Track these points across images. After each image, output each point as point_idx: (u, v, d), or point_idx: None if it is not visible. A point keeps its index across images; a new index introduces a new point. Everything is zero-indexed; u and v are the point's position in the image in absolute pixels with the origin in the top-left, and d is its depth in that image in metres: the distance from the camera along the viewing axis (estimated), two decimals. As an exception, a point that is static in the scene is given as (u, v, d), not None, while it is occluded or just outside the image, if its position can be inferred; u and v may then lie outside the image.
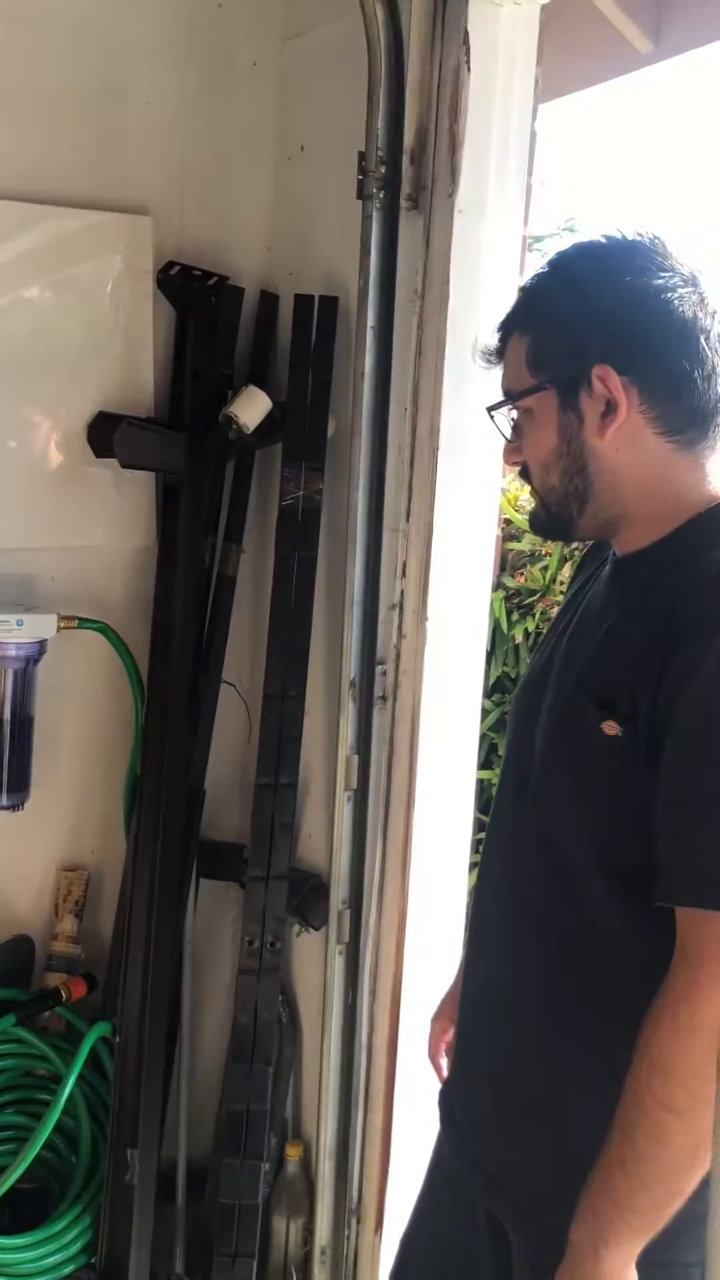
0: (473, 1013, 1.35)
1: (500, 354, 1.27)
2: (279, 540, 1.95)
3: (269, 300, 2.11)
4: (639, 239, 1.19)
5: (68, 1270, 1.87)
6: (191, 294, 2.04)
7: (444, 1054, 1.54)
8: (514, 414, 1.27)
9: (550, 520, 1.27)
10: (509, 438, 1.28)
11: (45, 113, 1.91)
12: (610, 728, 1.11)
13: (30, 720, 2.00)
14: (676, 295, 1.15)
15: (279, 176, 2.12)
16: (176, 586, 2.03)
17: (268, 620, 1.97)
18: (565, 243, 1.35)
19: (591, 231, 1.27)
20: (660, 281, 1.16)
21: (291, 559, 1.94)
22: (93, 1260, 1.92)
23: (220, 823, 2.25)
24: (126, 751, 2.15)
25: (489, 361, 1.29)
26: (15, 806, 2.00)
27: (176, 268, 2.03)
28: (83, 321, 1.99)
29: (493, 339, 1.28)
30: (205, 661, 2.10)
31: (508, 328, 1.26)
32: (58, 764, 2.11)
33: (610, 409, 1.17)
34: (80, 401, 2.00)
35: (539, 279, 1.25)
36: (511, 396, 1.25)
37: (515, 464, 1.31)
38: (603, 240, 1.21)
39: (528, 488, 1.32)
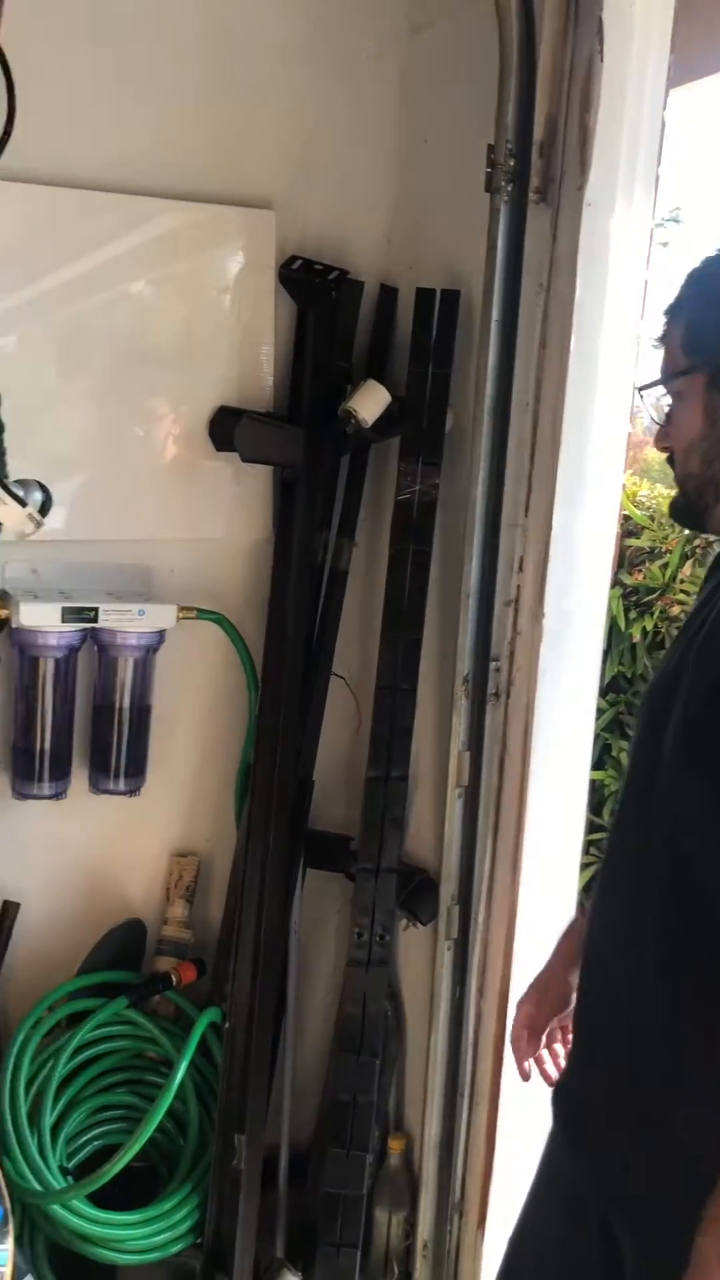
0: (592, 1014, 1.33)
1: (664, 338, 1.28)
2: (394, 534, 1.95)
3: (388, 294, 2.11)
4: None
5: (175, 1249, 1.91)
6: (312, 288, 2.05)
7: (526, 1039, 1.52)
8: (666, 398, 1.27)
9: (688, 507, 1.27)
10: (659, 421, 1.29)
11: (171, 109, 1.94)
12: None
13: (148, 708, 2.04)
14: None
15: (401, 170, 2.12)
16: (291, 580, 2.05)
17: (380, 614, 1.98)
18: (671, 234, 1.35)
19: (699, 223, 1.27)
20: None
21: (406, 553, 1.94)
22: (199, 1241, 1.95)
23: (326, 813, 2.27)
24: (239, 741, 2.18)
25: (656, 345, 1.30)
26: (132, 792, 2.04)
27: (298, 262, 2.04)
28: (206, 315, 2.01)
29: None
30: (316, 654, 2.11)
31: (670, 312, 1.27)
32: (172, 752, 2.14)
33: None
34: (201, 395, 2.03)
35: (704, 264, 1.26)
36: (663, 378, 1.26)
37: (664, 449, 1.32)
38: None
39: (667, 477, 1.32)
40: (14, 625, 1.86)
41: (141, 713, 2.03)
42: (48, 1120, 1.86)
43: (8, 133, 1.70)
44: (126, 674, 2.00)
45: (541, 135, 1.70)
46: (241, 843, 2.11)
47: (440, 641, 1.98)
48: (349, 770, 2.30)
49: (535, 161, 1.71)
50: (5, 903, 2.03)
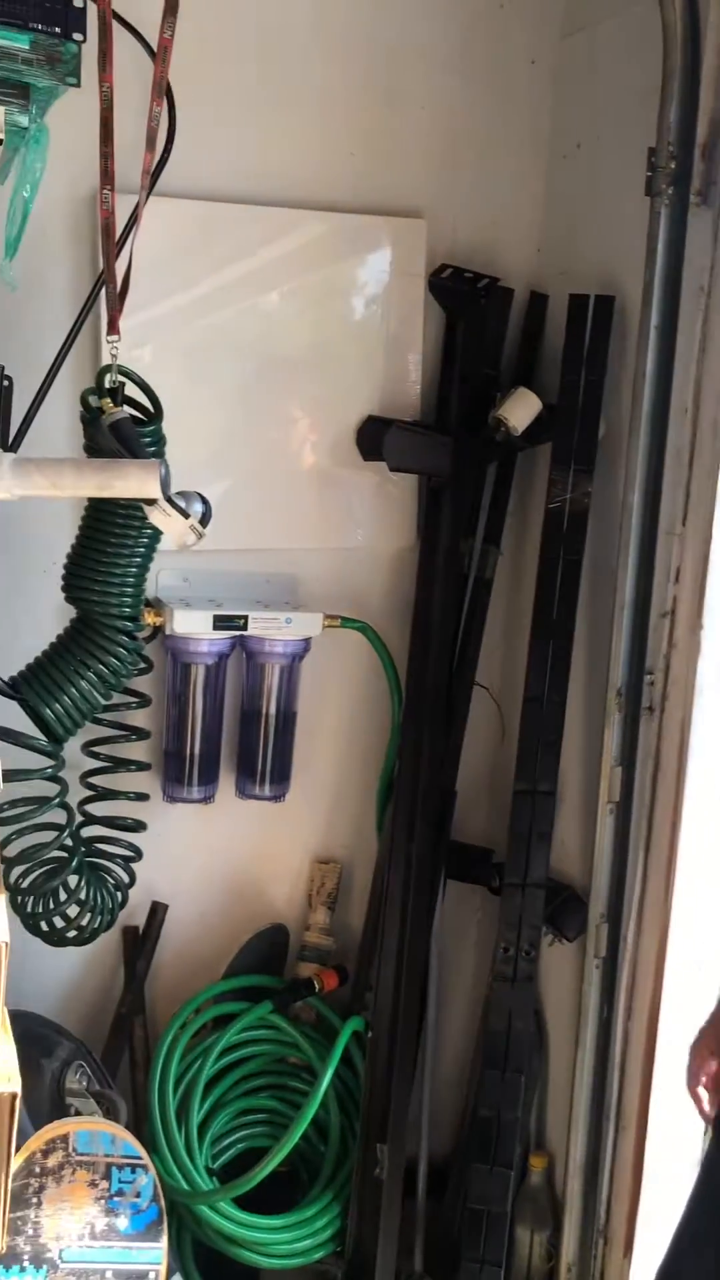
0: None
1: None
2: (545, 543, 1.92)
3: (538, 301, 2.08)
4: None
5: (317, 1255, 1.91)
6: (461, 296, 2.04)
7: (706, 1087, 1.47)
8: None
9: None
10: None
11: (322, 120, 1.96)
12: None
13: (293, 715, 2.05)
14: None
15: (553, 175, 2.10)
16: (436, 588, 2.04)
17: (529, 623, 1.95)
18: None
19: None
20: None
21: (556, 562, 1.91)
22: (339, 1249, 1.95)
23: (467, 825, 2.26)
24: (380, 749, 2.18)
25: None
26: (277, 798, 2.06)
27: (449, 270, 2.04)
28: (355, 324, 2.02)
29: None
30: (460, 663, 2.10)
31: None
32: (316, 759, 2.16)
33: None
34: (349, 404, 2.04)
35: None
36: None
37: None
38: None
39: None
40: (168, 632, 1.90)
41: (287, 719, 2.05)
42: (195, 1119, 1.88)
43: (165, 157, 1.75)
44: (273, 681, 2.02)
45: (705, 137, 1.66)
46: (384, 852, 2.11)
47: (590, 653, 1.95)
48: (491, 782, 2.28)
49: (698, 163, 1.67)
50: (154, 904, 2.07)
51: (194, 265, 1.91)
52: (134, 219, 1.56)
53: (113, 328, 1.53)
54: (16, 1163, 1.41)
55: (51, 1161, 1.42)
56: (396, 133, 2.01)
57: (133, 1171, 1.46)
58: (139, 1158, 1.47)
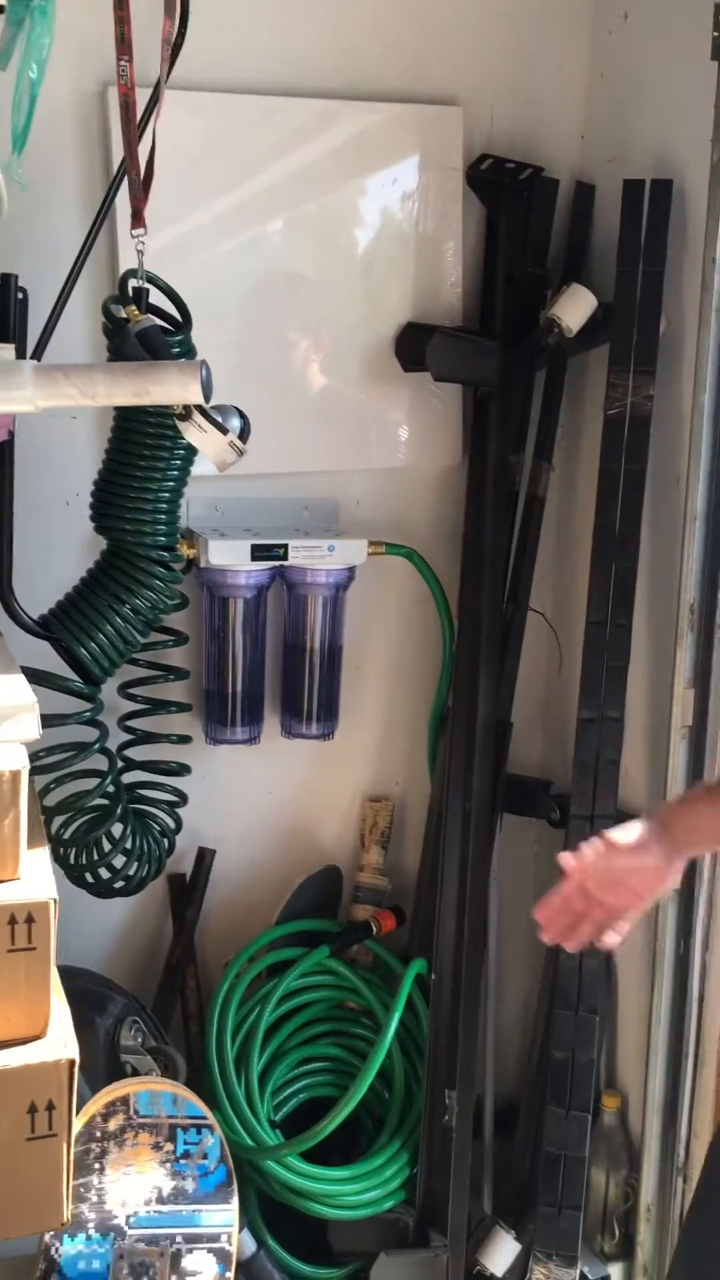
0: None
1: None
2: (604, 453, 1.79)
3: (584, 192, 1.93)
4: None
5: (387, 1205, 1.85)
6: (503, 189, 1.89)
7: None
8: None
9: None
10: None
11: (350, 3, 1.79)
12: None
13: (339, 649, 1.94)
14: None
15: (596, 53, 1.93)
16: (486, 508, 1.92)
17: (588, 542, 1.82)
18: None
19: None
20: None
21: (617, 474, 1.78)
22: (408, 1197, 1.89)
23: (522, 757, 2.15)
24: (430, 681, 2.07)
25: None
26: (325, 736, 1.96)
27: (489, 160, 1.88)
28: (389, 224, 1.87)
29: None
30: (514, 587, 1.98)
31: None
32: (363, 694, 2.05)
33: None
34: (386, 312, 1.89)
35: None
36: None
37: None
38: None
39: None
40: (202, 565, 1.78)
41: (333, 654, 1.93)
42: (255, 1070, 1.81)
43: (180, 40, 1.59)
44: (317, 614, 1.91)
45: (779, -14, 1.50)
46: (439, 787, 2.01)
47: (654, 570, 1.82)
48: (546, 710, 2.17)
49: (770, 19, 1.51)
50: (201, 849, 1.98)
51: (212, 166, 1.75)
52: (155, 98, 1.40)
53: (137, 220, 1.39)
54: (77, 1126, 1.33)
55: (112, 1125, 1.34)
56: (427, 11, 1.84)
57: (198, 1132, 1.39)
58: (204, 1117, 1.39)
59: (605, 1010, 1.99)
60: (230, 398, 1.78)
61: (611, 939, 1.28)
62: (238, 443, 1.32)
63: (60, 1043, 1.13)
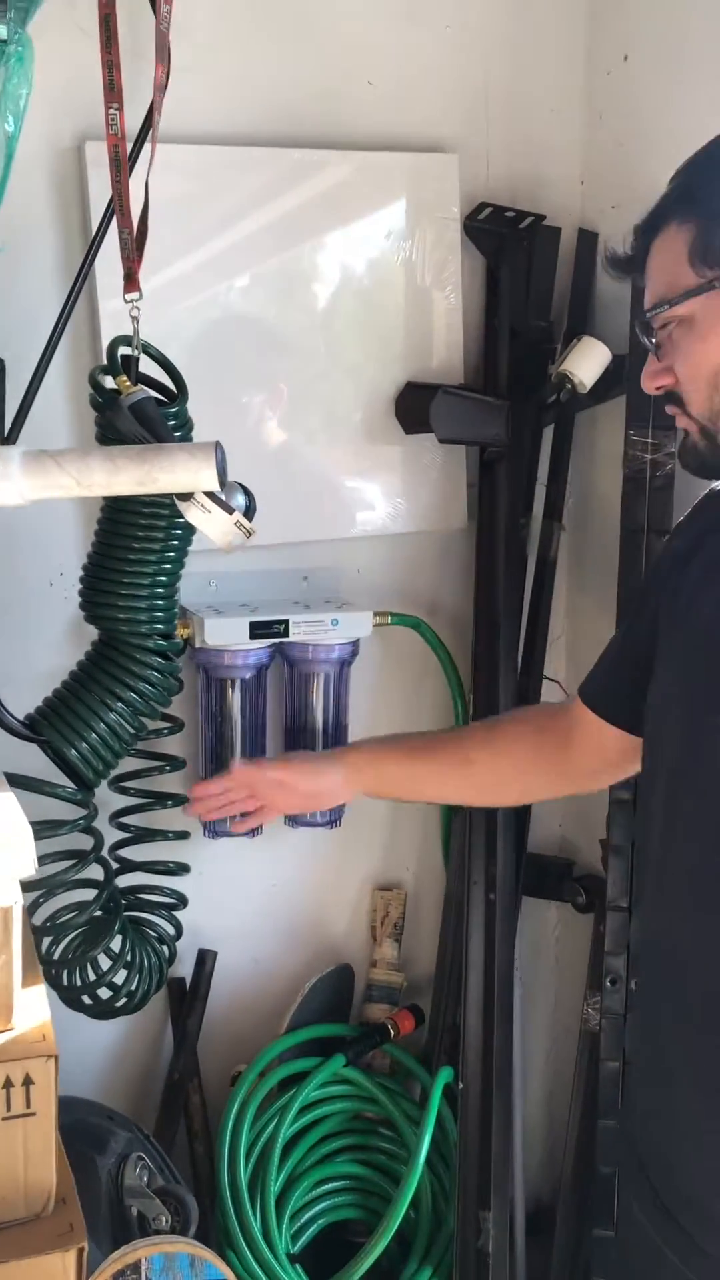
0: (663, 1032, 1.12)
1: (643, 257, 1.07)
2: (625, 515, 1.68)
3: (588, 239, 1.83)
4: None
5: (421, 1342, 1.68)
6: (503, 239, 1.79)
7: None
8: (661, 326, 1.07)
9: (714, 452, 1.06)
10: (658, 357, 1.08)
11: (334, 46, 1.69)
12: None
13: (344, 728, 1.81)
14: None
15: (594, 95, 1.84)
16: (498, 574, 1.80)
17: (615, 605, 1.71)
18: None
19: None
20: None
21: (640, 535, 1.67)
22: (444, 1329, 1.72)
23: (540, 835, 2.02)
24: (441, 759, 1.94)
25: (621, 269, 1.12)
26: (332, 823, 1.82)
27: (488, 209, 1.79)
28: (383, 279, 1.77)
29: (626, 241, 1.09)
30: (528, 655, 1.86)
31: (658, 221, 1.05)
32: (371, 774, 1.92)
33: None
34: (383, 372, 1.78)
35: (705, 154, 1.05)
36: (669, 301, 1.03)
37: (663, 388, 1.09)
38: None
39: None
40: (198, 645, 1.65)
41: (338, 733, 1.80)
42: (272, 1196, 1.64)
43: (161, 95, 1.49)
44: (319, 691, 1.77)
45: None
46: (454, 873, 1.87)
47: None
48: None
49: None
50: (201, 952, 1.83)
51: (194, 222, 1.63)
52: (136, 153, 1.28)
53: (130, 283, 1.26)
54: (82, 1306, 1.17)
55: (124, 1299, 1.18)
56: (419, 56, 1.75)
57: (220, 1299, 1.23)
58: (225, 1280, 1.23)
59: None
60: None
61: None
62: (245, 522, 1.20)
63: (65, 1225, 0.98)
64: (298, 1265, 1.65)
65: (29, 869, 0.97)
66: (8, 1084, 0.97)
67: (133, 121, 1.37)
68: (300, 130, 1.69)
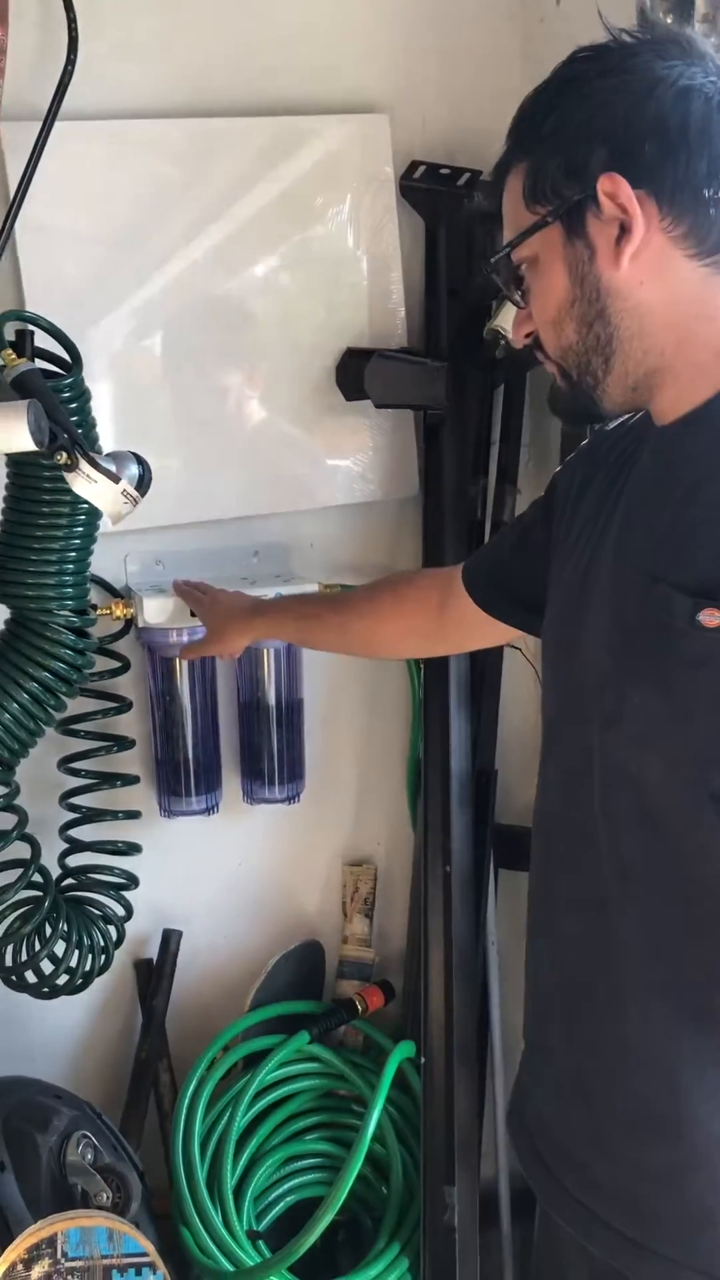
0: (544, 1015, 1.13)
1: (498, 205, 1.04)
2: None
3: (529, 192, 1.78)
4: (654, 35, 0.98)
5: (388, 1319, 1.66)
6: (440, 198, 1.75)
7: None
8: (518, 274, 1.03)
9: (574, 394, 1.03)
10: (519, 304, 1.05)
11: (257, 6, 1.66)
12: (711, 617, 0.90)
13: (299, 704, 1.79)
14: (697, 85, 0.92)
15: (529, 44, 1.79)
16: (446, 540, 1.77)
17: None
18: None
19: None
20: (675, 70, 0.93)
21: (582, 493, 1.62)
22: (414, 1307, 1.70)
23: (517, 805, 1.98)
24: (404, 730, 1.92)
25: (488, 225, 1.12)
26: (290, 799, 1.80)
27: (421, 168, 1.75)
28: (321, 245, 1.73)
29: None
30: (486, 624, 1.82)
31: (501, 170, 1.02)
32: (331, 750, 1.90)
33: (624, 230, 0.94)
34: (324, 340, 1.75)
35: (533, 96, 1.02)
36: (510, 244, 1.01)
37: (528, 337, 1.06)
38: (609, 43, 0.99)
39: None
40: (141, 624, 1.64)
41: (292, 709, 1.78)
42: (229, 1182, 1.63)
43: (70, 68, 1.48)
44: (270, 667, 1.76)
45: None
46: (420, 846, 1.85)
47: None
48: (537, 753, 2.00)
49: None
50: (166, 932, 1.83)
51: (117, 199, 1.62)
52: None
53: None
54: (-7, 1280, 1.17)
55: (36, 1273, 1.18)
56: (340, 16, 1.71)
57: (138, 1273, 1.22)
58: (144, 1255, 1.23)
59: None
60: (165, 441, 1.66)
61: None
62: (131, 491, 1.18)
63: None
64: (261, 1242, 1.64)
65: None
66: None
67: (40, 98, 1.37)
68: (225, 99, 1.66)
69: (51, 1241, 1.20)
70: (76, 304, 1.60)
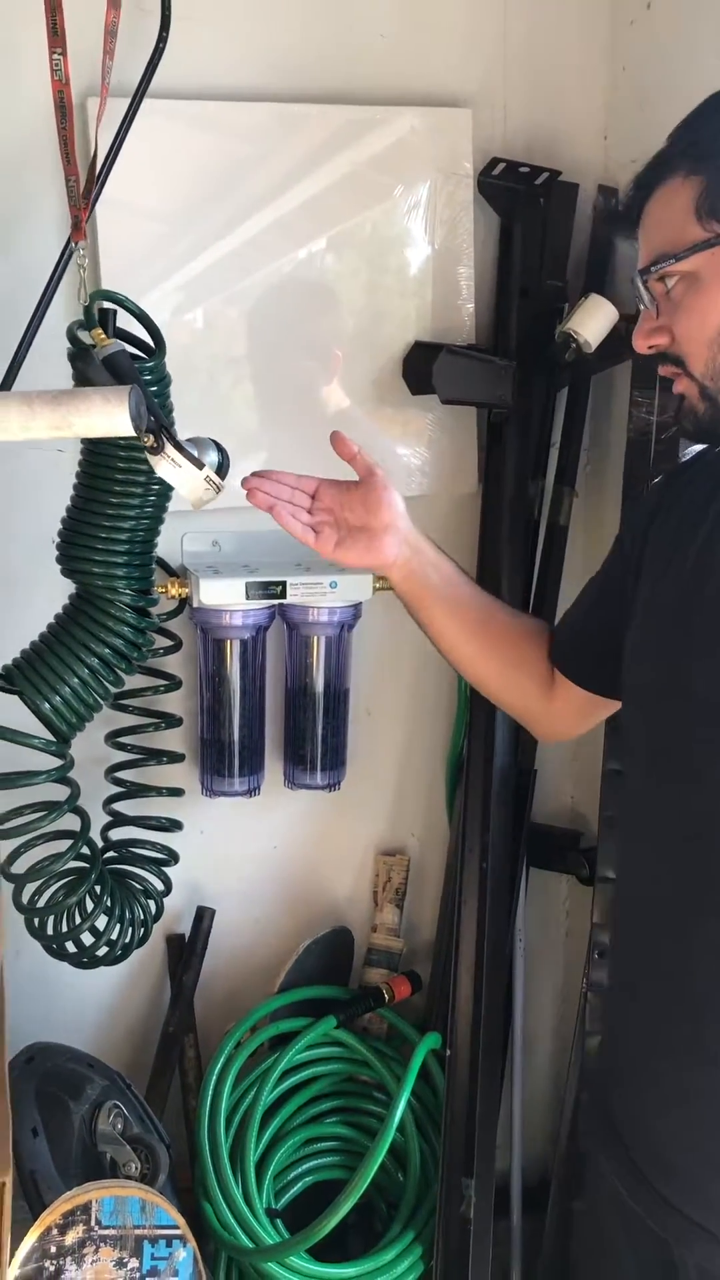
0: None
1: (639, 212, 1.03)
2: (628, 478, 1.64)
3: (608, 196, 1.78)
4: None
5: (398, 1305, 1.68)
6: (517, 196, 1.75)
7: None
8: (660, 282, 1.02)
9: (715, 414, 1.02)
10: (655, 314, 1.04)
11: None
12: None
13: (345, 693, 1.80)
14: None
15: (617, 46, 1.78)
16: (503, 539, 1.77)
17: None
18: None
19: None
20: None
21: (644, 501, 1.62)
22: (424, 1293, 1.72)
23: (552, 806, 2.00)
24: (447, 726, 1.92)
25: (616, 224, 1.13)
26: (331, 786, 1.81)
27: (501, 165, 1.74)
28: (395, 237, 1.74)
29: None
30: (536, 624, 1.83)
31: (659, 174, 1.00)
32: (374, 740, 1.91)
33: None
34: (393, 332, 1.76)
35: (713, 106, 1.01)
36: (674, 256, 0.98)
37: (656, 347, 1.04)
38: None
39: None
40: (195, 604, 1.65)
41: (338, 698, 1.79)
42: (252, 1159, 1.66)
43: (162, 45, 1.48)
44: (320, 655, 1.77)
45: None
46: (455, 841, 1.86)
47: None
48: (574, 756, 2.01)
49: None
50: (200, 909, 1.85)
51: (197, 180, 1.63)
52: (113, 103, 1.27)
53: (77, 230, 1.26)
54: (29, 1242, 1.20)
55: (70, 1239, 1.20)
56: (434, 6, 1.71)
57: (168, 1245, 1.24)
58: (174, 1227, 1.25)
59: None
60: (228, 425, 1.67)
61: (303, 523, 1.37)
62: (215, 478, 1.19)
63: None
64: (279, 1220, 1.66)
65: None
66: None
67: (129, 75, 1.38)
68: (319, 86, 1.67)
69: (86, 1209, 1.22)
70: (151, 282, 1.61)
